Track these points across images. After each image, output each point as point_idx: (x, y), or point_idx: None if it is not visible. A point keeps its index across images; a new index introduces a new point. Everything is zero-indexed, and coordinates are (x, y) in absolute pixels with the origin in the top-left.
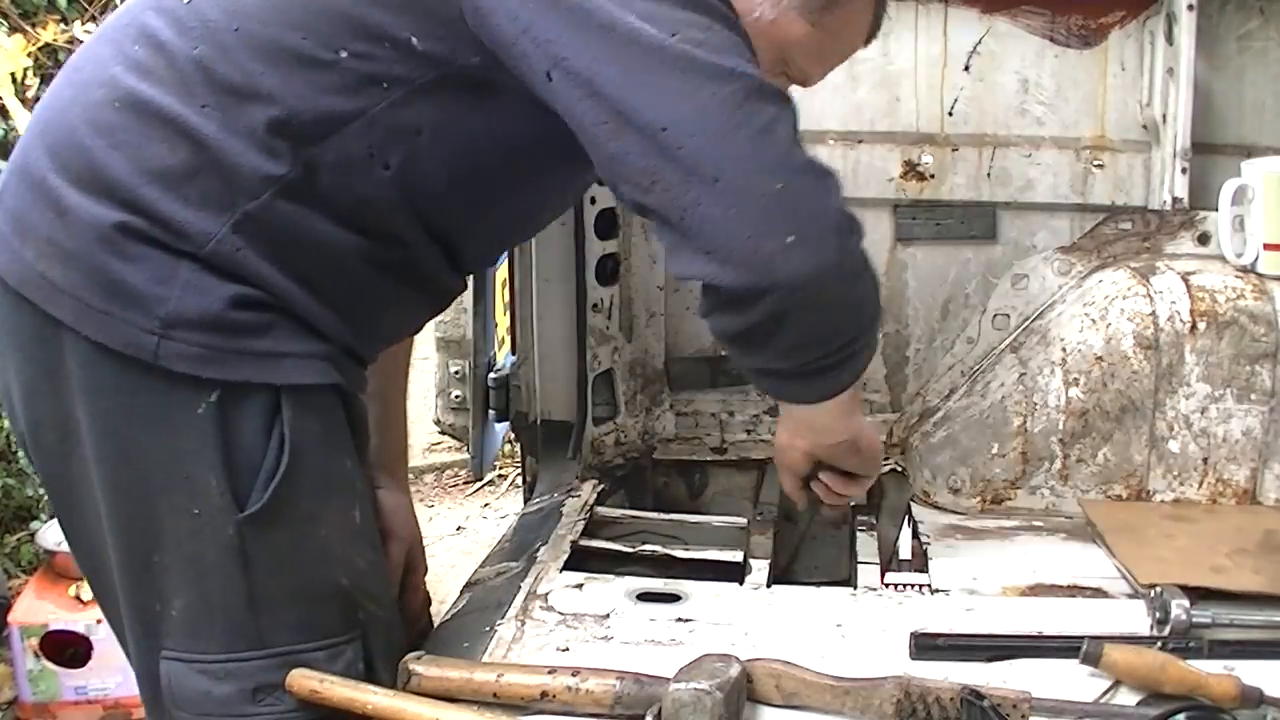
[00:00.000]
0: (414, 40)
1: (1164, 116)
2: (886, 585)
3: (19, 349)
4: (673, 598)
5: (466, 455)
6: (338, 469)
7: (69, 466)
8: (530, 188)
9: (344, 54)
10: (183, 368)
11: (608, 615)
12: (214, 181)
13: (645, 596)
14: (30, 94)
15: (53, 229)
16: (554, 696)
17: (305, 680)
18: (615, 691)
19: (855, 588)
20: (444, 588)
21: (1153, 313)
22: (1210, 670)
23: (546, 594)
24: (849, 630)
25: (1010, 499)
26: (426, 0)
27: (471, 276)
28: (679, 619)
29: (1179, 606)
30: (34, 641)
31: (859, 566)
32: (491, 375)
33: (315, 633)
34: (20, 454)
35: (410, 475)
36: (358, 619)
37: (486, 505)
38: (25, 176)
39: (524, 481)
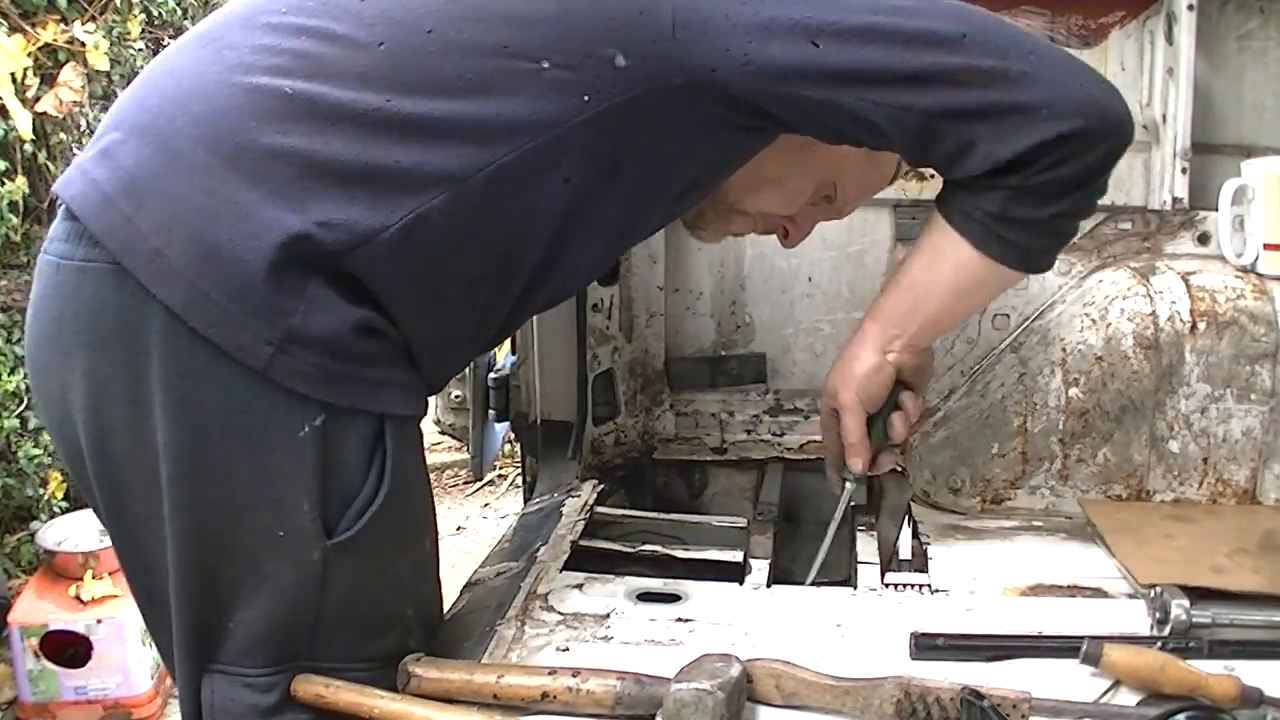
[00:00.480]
0: (619, 57)
1: (1164, 116)
2: (886, 585)
3: (95, 345)
4: (673, 598)
5: (466, 455)
6: (423, 499)
7: (135, 474)
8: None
9: (546, 64)
10: (295, 385)
11: (608, 615)
12: (383, 182)
13: (645, 596)
14: (30, 94)
15: (202, 208)
16: (554, 697)
17: (310, 685)
18: (616, 692)
19: (855, 588)
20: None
21: (1153, 313)
22: (1210, 670)
23: (546, 594)
24: (849, 630)
25: (1010, 499)
26: (632, 16)
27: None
28: (679, 619)
29: (1179, 606)
30: (34, 641)
31: (859, 566)
32: (491, 375)
33: (361, 655)
34: (20, 454)
35: None
36: (408, 647)
37: (486, 505)
38: (159, 143)
39: (524, 481)
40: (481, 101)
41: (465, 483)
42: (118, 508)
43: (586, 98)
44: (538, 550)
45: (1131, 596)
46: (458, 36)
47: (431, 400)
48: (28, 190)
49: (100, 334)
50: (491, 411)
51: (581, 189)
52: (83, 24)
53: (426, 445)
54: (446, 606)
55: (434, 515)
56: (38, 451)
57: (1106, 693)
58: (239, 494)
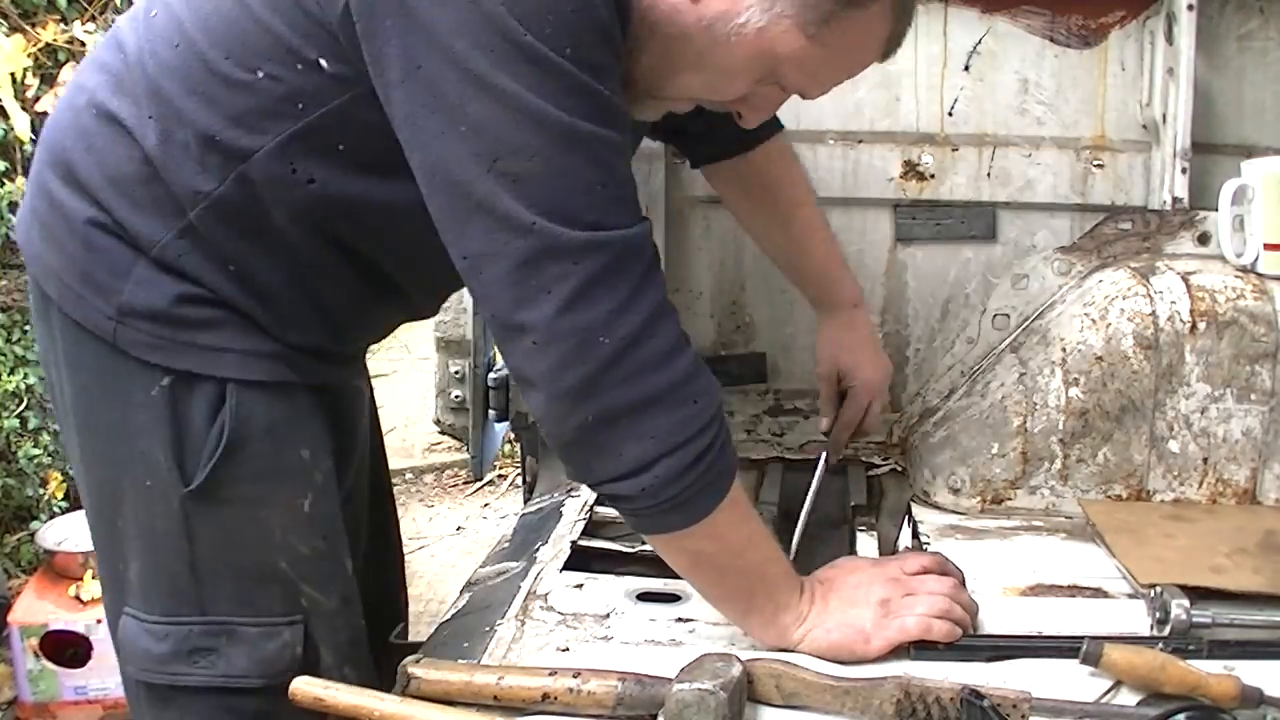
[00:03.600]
0: (323, 61)
1: (1164, 116)
2: None
3: (38, 322)
4: (673, 598)
5: (466, 455)
6: (287, 458)
7: (67, 428)
8: None
9: (260, 74)
10: (136, 352)
11: (608, 615)
12: (161, 189)
13: (645, 596)
14: (30, 94)
15: (46, 216)
16: (555, 698)
17: (309, 688)
18: (617, 693)
19: None
20: (444, 588)
21: (1153, 313)
22: (1210, 670)
23: (546, 594)
24: None
25: (1010, 499)
26: (331, 24)
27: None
28: (679, 619)
29: (1179, 606)
30: (34, 641)
31: None
32: (491, 375)
33: (252, 609)
34: (20, 454)
35: (410, 475)
36: (299, 604)
37: (486, 505)
38: (33, 170)
39: (524, 481)
40: (211, 117)
41: (465, 483)
42: (70, 457)
43: (300, 105)
44: (537, 550)
45: (1131, 596)
46: (194, 49)
47: (432, 400)
48: None
49: (37, 314)
50: (491, 411)
51: (330, 190)
52: (83, 24)
53: (426, 445)
54: (446, 606)
55: (324, 476)
56: (38, 451)
57: (1106, 693)
58: (117, 447)
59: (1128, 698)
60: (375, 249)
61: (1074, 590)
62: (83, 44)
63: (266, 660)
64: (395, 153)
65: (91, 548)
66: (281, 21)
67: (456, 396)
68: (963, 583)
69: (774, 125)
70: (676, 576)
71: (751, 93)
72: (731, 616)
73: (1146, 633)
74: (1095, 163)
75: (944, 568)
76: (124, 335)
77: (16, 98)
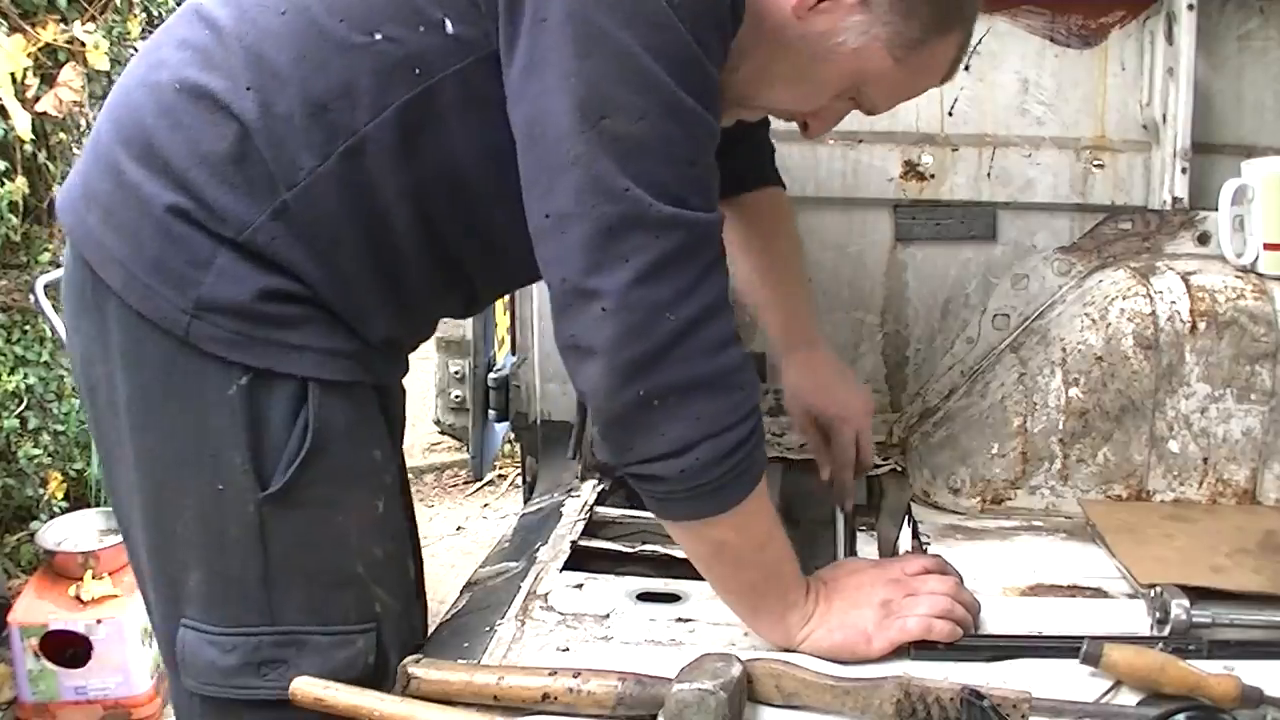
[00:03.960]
0: (447, 22)
1: (1164, 116)
2: None
3: (82, 313)
4: (673, 598)
5: (466, 455)
6: (363, 460)
7: (113, 430)
8: None
9: (378, 36)
10: (212, 349)
11: (608, 615)
12: (259, 168)
13: (645, 596)
14: (30, 94)
15: (112, 199)
16: (555, 698)
17: (309, 688)
18: (617, 692)
19: None
20: (444, 588)
21: (1153, 313)
22: (1210, 670)
23: (546, 594)
24: None
25: (1010, 499)
26: None
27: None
28: (679, 619)
29: (1179, 606)
30: (34, 641)
31: None
32: (491, 375)
33: (325, 617)
34: (20, 454)
35: (410, 475)
36: (373, 611)
37: (486, 505)
38: (95, 149)
39: (524, 481)
40: (321, 85)
41: (465, 483)
42: (104, 458)
43: (418, 70)
44: (538, 550)
45: (1131, 596)
46: (304, 16)
47: (432, 400)
48: (28, 190)
49: (82, 304)
50: (491, 411)
51: (440, 161)
52: (83, 24)
53: (426, 445)
54: (446, 606)
55: (394, 478)
56: (38, 451)
57: (1106, 693)
58: (183, 449)
59: (1128, 698)
60: (463, 233)
61: (1074, 590)
62: (82, 44)
63: (338, 669)
64: (504, 127)
65: (90, 548)
66: None
67: (456, 396)
68: (961, 584)
69: (775, 176)
70: (676, 577)
71: (825, 106)
72: (741, 612)
73: (1146, 633)
74: (1095, 163)
75: (944, 568)
76: (199, 330)
77: (17, 97)
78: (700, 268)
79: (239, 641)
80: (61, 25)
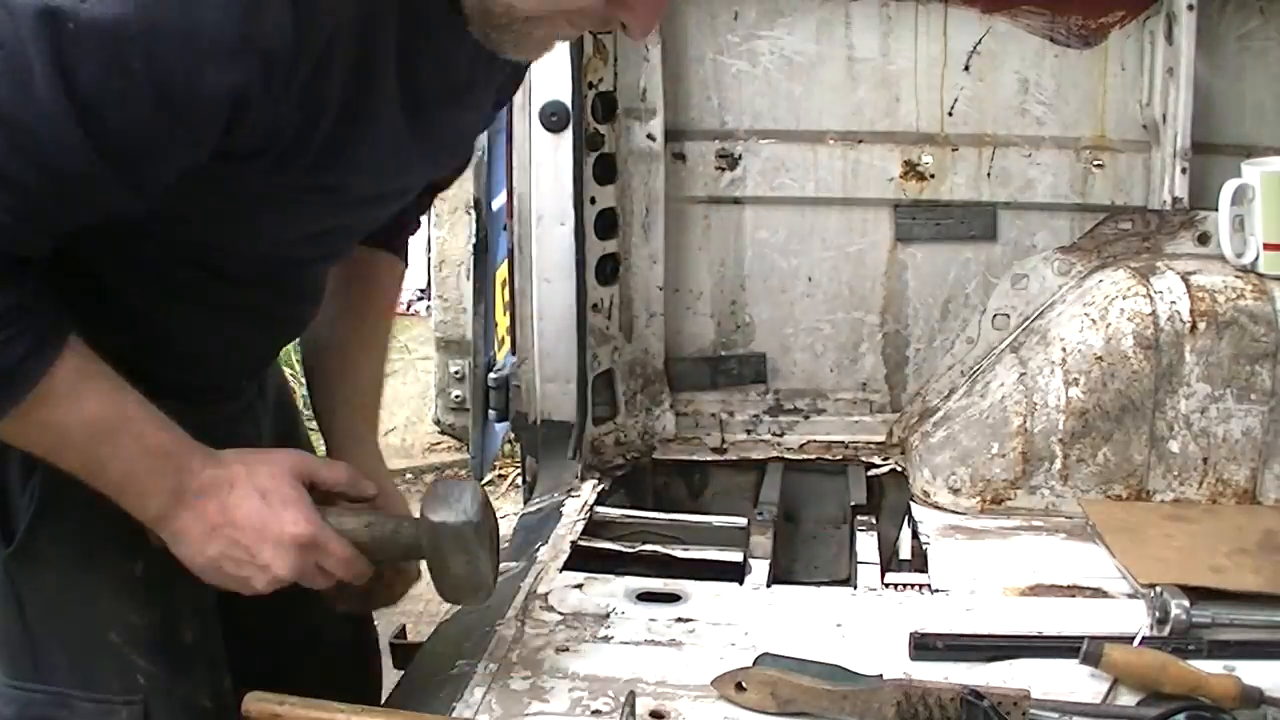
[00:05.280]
0: None
1: (1164, 116)
2: (886, 585)
3: None
4: (673, 598)
5: (466, 455)
6: (110, 520)
7: None
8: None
9: None
10: None
11: (608, 615)
12: None
13: (645, 596)
14: None
15: None
16: None
17: (264, 705)
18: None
19: (855, 588)
20: None
21: (1153, 313)
22: (1210, 670)
23: (546, 594)
24: (849, 630)
25: (1010, 499)
26: None
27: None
28: (679, 619)
29: (1179, 606)
30: None
31: (859, 566)
32: (491, 375)
33: (87, 683)
34: None
35: (410, 475)
36: (136, 682)
37: None
38: None
39: (524, 481)
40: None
41: None
42: None
43: None
44: (538, 550)
45: (1131, 596)
46: None
47: (432, 400)
48: None
49: None
50: (491, 411)
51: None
52: None
53: (426, 445)
54: (446, 606)
55: (157, 540)
56: None
57: (1107, 693)
58: None
59: (1128, 698)
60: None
61: (1074, 590)
62: None
63: None
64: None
65: None
66: None
67: (456, 396)
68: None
69: (402, 249)
70: (676, 577)
71: None
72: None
73: (1147, 633)
74: (1095, 163)
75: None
76: None
77: None
78: None
79: (16, 696)
80: None
